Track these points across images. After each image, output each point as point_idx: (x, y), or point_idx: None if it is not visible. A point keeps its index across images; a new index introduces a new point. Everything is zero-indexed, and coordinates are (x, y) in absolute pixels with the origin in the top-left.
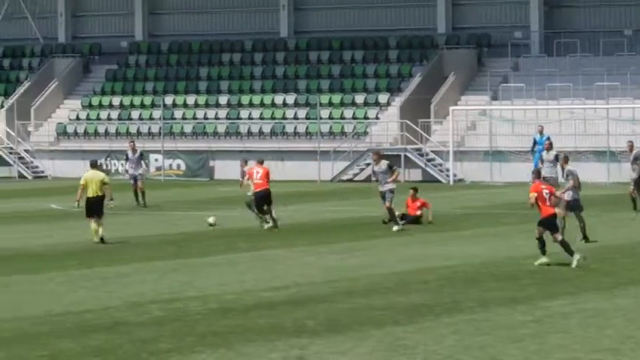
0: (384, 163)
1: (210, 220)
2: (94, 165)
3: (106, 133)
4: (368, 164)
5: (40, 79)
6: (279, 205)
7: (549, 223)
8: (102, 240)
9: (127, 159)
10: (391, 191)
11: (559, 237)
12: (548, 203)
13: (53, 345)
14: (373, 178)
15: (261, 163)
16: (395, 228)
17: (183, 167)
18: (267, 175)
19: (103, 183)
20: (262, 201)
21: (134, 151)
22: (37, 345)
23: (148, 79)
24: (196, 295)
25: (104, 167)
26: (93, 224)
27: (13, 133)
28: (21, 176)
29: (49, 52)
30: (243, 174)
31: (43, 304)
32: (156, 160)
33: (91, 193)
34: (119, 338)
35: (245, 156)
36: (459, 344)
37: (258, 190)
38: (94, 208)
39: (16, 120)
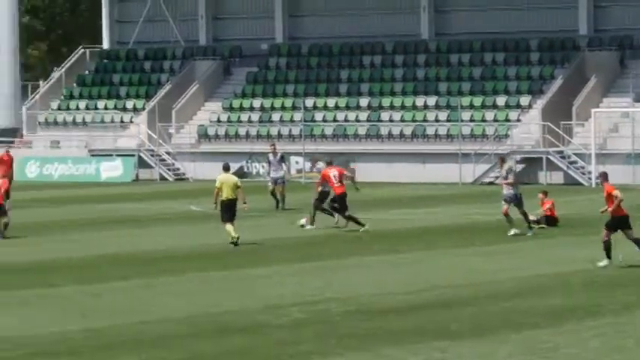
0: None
1: (302, 221)
2: (227, 168)
3: (247, 136)
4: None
5: (181, 82)
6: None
7: None
8: (236, 242)
9: (268, 162)
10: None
11: None
12: None
13: (193, 347)
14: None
15: (330, 163)
16: (511, 232)
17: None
18: (341, 175)
19: (237, 186)
20: (342, 202)
21: (275, 153)
22: (177, 347)
23: (289, 82)
24: (336, 297)
25: (245, 170)
26: (228, 226)
27: (154, 136)
28: (162, 178)
29: (190, 55)
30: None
31: (183, 306)
32: (297, 162)
33: (225, 196)
34: (259, 340)
35: (387, 159)
36: (602, 347)
37: (340, 192)
38: (229, 210)
39: (157, 122)
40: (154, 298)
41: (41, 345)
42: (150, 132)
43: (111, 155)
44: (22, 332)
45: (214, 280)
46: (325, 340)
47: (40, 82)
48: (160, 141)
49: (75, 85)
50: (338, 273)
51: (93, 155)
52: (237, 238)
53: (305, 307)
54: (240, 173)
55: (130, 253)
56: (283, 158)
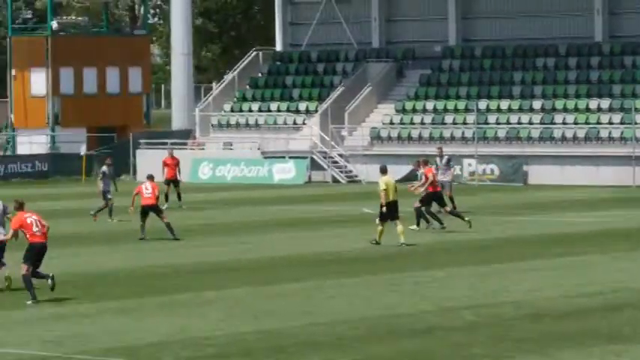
0: None
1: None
2: (385, 170)
3: (419, 138)
4: None
5: (353, 84)
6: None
7: None
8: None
9: (436, 166)
10: None
11: None
12: None
13: (365, 349)
14: None
15: (425, 163)
16: None
17: (496, 172)
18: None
19: (396, 188)
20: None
21: (441, 157)
22: (350, 349)
23: (462, 84)
24: (509, 300)
25: (416, 172)
26: (380, 228)
27: (327, 138)
28: (334, 181)
29: (363, 57)
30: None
31: (356, 308)
32: (469, 164)
33: (388, 199)
34: (433, 343)
35: (560, 161)
36: None
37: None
38: (391, 211)
39: (330, 124)
40: (326, 300)
41: (215, 346)
42: (322, 134)
43: (283, 157)
44: (195, 333)
45: (386, 282)
46: (498, 343)
47: (213, 85)
48: (333, 143)
49: (248, 87)
50: (511, 276)
51: (265, 157)
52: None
53: (478, 309)
54: (412, 176)
55: (301, 255)
56: (450, 161)
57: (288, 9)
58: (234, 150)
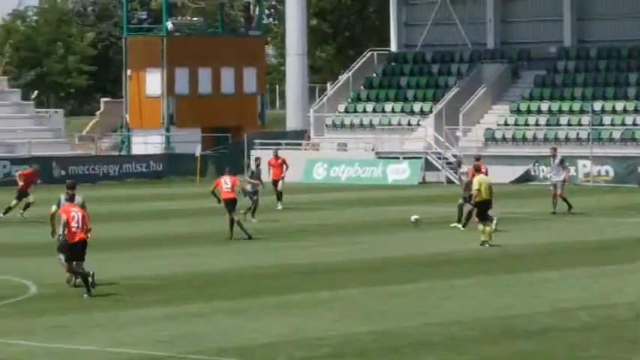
0: None
1: (413, 218)
2: (479, 170)
3: (534, 139)
4: None
5: (468, 85)
6: None
7: None
8: (486, 243)
9: (550, 166)
10: None
11: None
12: None
13: (480, 350)
14: None
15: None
16: None
17: (611, 173)
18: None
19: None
20: None
21: (554, 157)
22: (464, 349)
23: (577, 85)
24: (624, 301)
25: (531, 173)
26: (481, 226)
27: (441, 139)
28: (449, 181)
29: (478, 58)
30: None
31: (470, 308)
32: (584, 165)
33: (481, 198)
34: (547, 344)
35: None
36: None
37: None
38: (484, 210)
39: (444, 125)
40: (440, 301)
41: (329, 346)
42: (437, 135)
43: (398, 158)
44: (308, 334)
45: (500, 283)
46: (613, 344)
47: (328, 85)
48: (447, 144)
49: (362, 87)
50: (625, 277)
51: (380, 158)
52: (487, 241)
53: (592, 310)
54: (527, 177)
55: (415, 255)
56: (563, 161)
57: (403, 9)
58: (348, 150)
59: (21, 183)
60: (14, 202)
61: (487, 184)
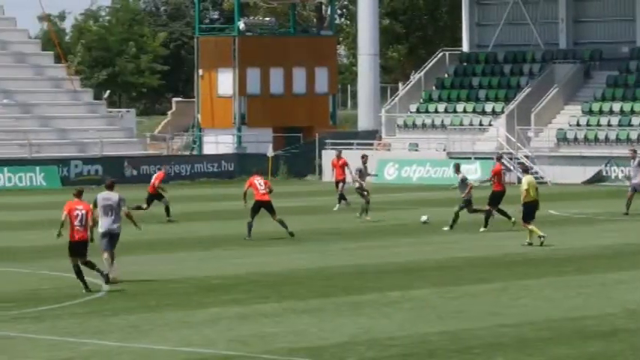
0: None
1: (423, 218)
2: (527, 170)
3: (606, 140)
4: None
5: (540, 85)
6: None
7: None
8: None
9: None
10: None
11: None
12: None
13: (550, 351)
14: None
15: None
16: None
17: None
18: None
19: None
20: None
21: (634, 158)
22: (535, 350)
23: None
24: None
25: (603, 174)
26: (530, 226)
27: (513, 139)
28: (519, 182)
29: (550, 58)
30: None
31: (542, 309)
32: None
33: (529, 198)
34: (618, 345)
35: None
36: None
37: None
38: (531, 211)
39: (516, 125)
40: (512, 301)
41: (399, 346)
42: (508, 135)
43: (469, 158)
44: (379, 334)
45: (572, 284)
46: None
47: (399, 85)
48: (519, 144)
49: (434, 88)
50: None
51: (451, 158)
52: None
53: None
54: (599, 178)
55: (487, 255)
56: None
57: (475, 10)
58: (419, 151)
59: (157, 183)
60: (145, 205)
61: (535, 184)
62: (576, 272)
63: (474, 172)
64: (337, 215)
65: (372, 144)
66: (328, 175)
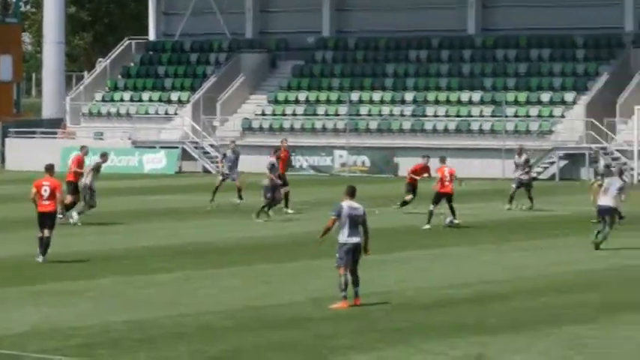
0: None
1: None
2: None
3: (291, 129)
4: (552, 163)
5: (226, 74)
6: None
7: None
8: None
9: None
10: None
11: None
12: None
13: (234, 339)
14: None
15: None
16: None
17: (367, 163)
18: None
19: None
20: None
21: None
22: (218, 339)
23: (334, 76)
24: (378, 291)
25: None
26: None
27: (198, 128)
28: (205, 171)
29: (236, 48)
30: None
31: (226, 298)
32: (340, 156)
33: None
34: (300, 334)
35: (431, 153)
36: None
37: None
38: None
39: (201, 115)
40: (196, 291)
41: (81, 337)
42: (194, 124)
43: (154, 147)
44: (62, 324)
45: (257, 273)
46: (365, 334)
47: (85, 73)
48: (204, 133)
49: (120, 76)
50: (379, 268)
51: (136, 147)
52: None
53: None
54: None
55: (171, 245)
56: (529, 161)
57: None
58: (104, 139)
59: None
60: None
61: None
62: (263, 261)
63: (159, 161)
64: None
65: (56, 132)
66: (12, 163)
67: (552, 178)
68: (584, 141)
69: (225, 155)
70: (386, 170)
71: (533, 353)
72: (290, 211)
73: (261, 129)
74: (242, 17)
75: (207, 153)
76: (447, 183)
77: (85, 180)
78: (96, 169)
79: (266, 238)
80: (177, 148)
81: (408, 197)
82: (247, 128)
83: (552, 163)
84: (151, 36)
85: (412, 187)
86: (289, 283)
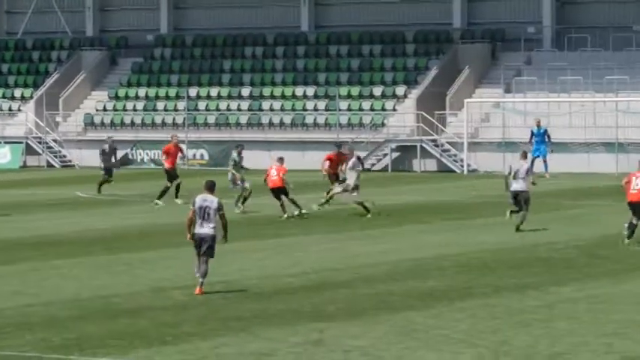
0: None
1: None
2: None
3: (132, 124)
4: (385, 154)
5: (68, 72)
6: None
7: None
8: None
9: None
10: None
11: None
12: None
13: (80, 328)
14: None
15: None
16: None
17: (206, 157)
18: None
19: None
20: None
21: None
22: (63, 329)
23: (173, 72)
24: (219, 280)
25: (129, 157)
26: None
27: (42, 124)
28: (49, 165)
29: (77, 45)
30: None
31: (71, 288)
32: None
33: None
34: (143, 322)
35: (268, 146)
36: (472, 328)
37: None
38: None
39: (45, 111)
40: (41, 282)
41: None
42: (37, 120)
43: None
44: None
45: (101, 264)
46: (208, 322)
47: None
48: (47, 129)
49: None
50: (224, 257)
51: None
52: None
53: (188, 290)
54: (125, 160)
55: (17, 237)
56: (360, 158)
57: None
58: None
59: None
60: None
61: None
62: (105, 252)
63: (3, 156)
64: None
65: None
66: None
67: (385, 169)
68: (416, 133)
69: (104, 151)
70: (224, 163)
71: (370, 338)
72: (179, 201)
73: (102, 124)
74: (82, 15)
75: (51, 148)
76: (274, 178)
77: None
78: None
79: (107, 230)
80: (21, 143)
81: (339, 188)
82: (89, 123)
83: (385, 155)
84: None
85: (335, 177)
86: (132, 273)
